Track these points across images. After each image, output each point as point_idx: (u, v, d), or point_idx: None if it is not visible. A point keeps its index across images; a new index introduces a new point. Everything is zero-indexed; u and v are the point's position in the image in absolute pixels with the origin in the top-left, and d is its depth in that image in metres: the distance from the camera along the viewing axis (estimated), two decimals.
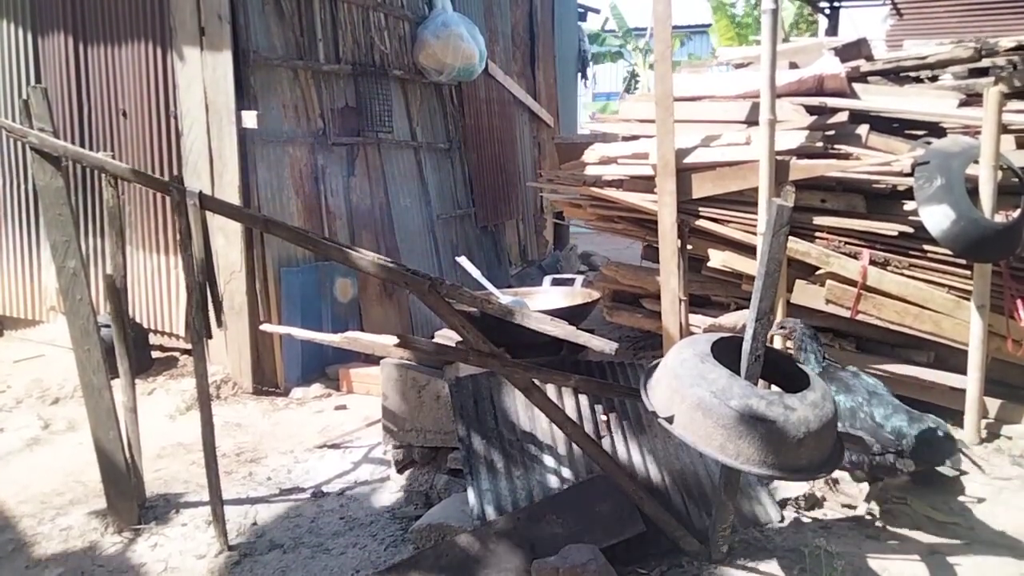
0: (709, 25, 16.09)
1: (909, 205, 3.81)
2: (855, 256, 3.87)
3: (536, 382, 2.62)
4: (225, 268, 4.71)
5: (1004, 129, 3.58)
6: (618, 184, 4.62)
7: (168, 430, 4.23)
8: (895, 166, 3.75)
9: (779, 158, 3.91)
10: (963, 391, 3.66)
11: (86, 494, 3.39)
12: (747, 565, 2.57)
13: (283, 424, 4.35)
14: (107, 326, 3.22)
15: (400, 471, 3.37)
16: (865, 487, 3.26)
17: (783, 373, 2.51)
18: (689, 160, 4.24)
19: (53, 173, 2.88)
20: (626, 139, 4.92)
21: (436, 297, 2.48)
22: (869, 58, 4.57)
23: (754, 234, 4.00)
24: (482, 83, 7.23)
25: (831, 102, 4.16)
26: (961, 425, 3.70)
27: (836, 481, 3.21)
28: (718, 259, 4.28)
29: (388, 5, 5.96)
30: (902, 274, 3.81)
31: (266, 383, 4.82)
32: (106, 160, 2.88)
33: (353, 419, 4.36)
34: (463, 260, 3.68)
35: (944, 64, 4.35)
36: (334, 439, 4.06)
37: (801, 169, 3.93)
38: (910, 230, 3.75)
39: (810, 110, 4.18)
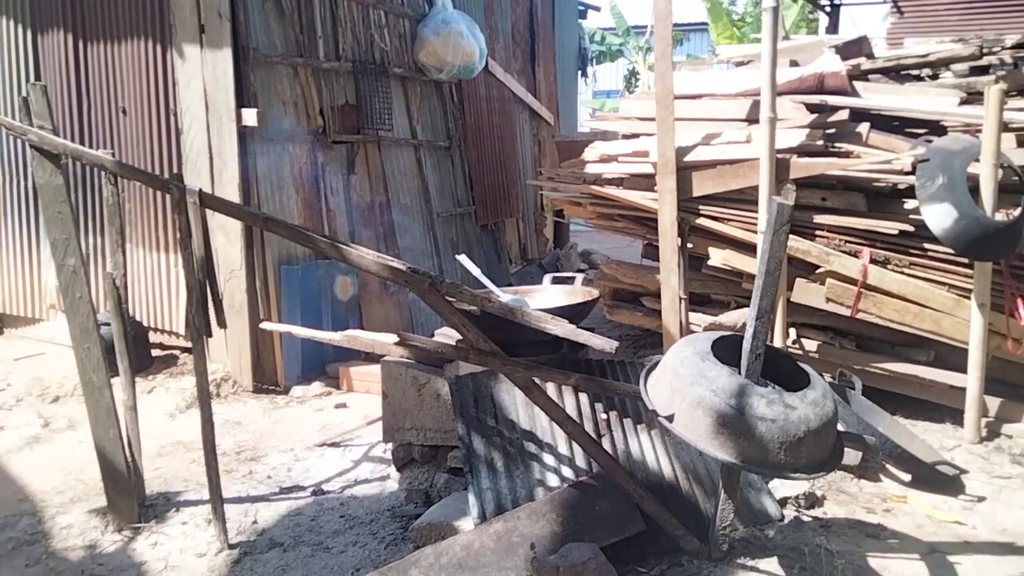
0: (706, 24, 16.07)
1: (909, 203, 3.81)
2: (855, 254, 3.87)
3: (536, 380, 2.62)
4: (225, 266, 4.71)
5: (1005, 127, 3.58)
6: (618, 182, 4.62)
7: (168, 428, 4.23)
8: (896, 164, 3.75)
9: (780, 156, 3.91)
10: (963, 390, 3.66)
11: (86, 492, 3.39)
12: (747, 564, 2.57)
13: (283, 422, 4.35)
14: (107, 324, 3.22)
15: (400, 469, 3.37)
16: (865, 485, 3.26)
17: (783, 371, 2.51)
18: (689, 158, 4.23)
19: (53, 171, 2.88)
20: (626, 137, 4.92)
21: (436, 295, 2.47)
22: (870, 56, 4.56)
23: (754, 232, 4.00)
24: (482, 81, 7.22)
25: (832, 100, 4.16)
26: (961, 424, 3.70)
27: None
28: (718, 257, 4.28)
29: (388, 3, 5.95)
30: (902, 272, 3.81)
31: (266, 381, 4.82)
32: (106, 157, 2.87)
33: (353, 417, 4.36)
34: (463, 258, 3.68)
35: (945, 62, 4.35)
36: (334, 437, 4.06)
37: (802, 167, 3.93)
38: (911, 228, 3.75)
39: (811, 108, 4.17)
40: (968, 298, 3.64)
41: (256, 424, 4.32)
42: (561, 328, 2.50)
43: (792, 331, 4.13)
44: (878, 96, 4.24)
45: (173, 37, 4.80)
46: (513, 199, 8.01)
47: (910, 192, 3.76)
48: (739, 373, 2.32)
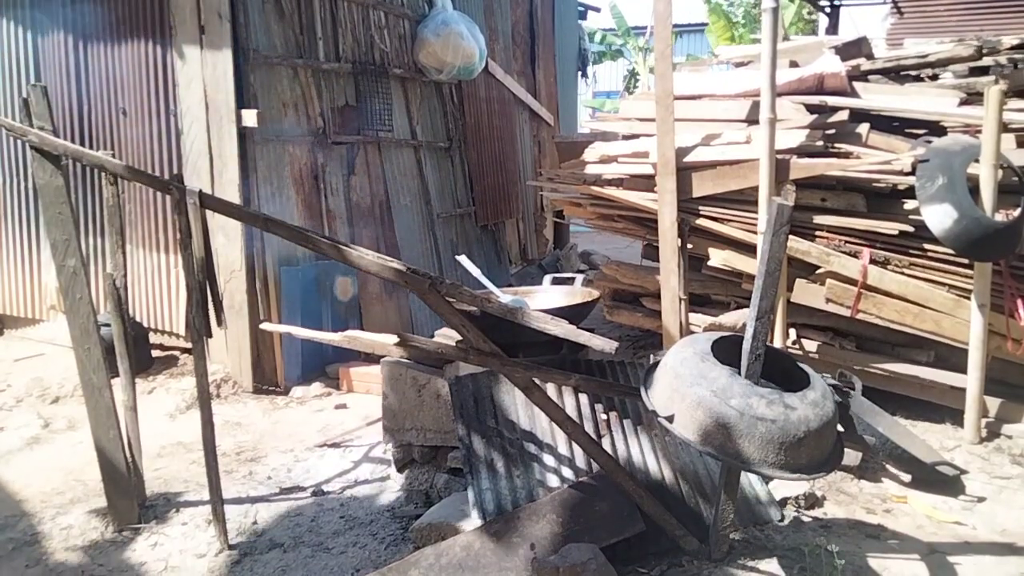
0: (704, 24, 16.10)
1: (909, 204, 3.81)
2: (855, 255, 3.87)
3: (536, 381, 2.62)
4: (225, 267, 4.71)
5: (1005, 128, 3.58)
6: (618, 183, 4.62)
7: (168, 429, 4.23)
8: (895, 165, 3.75)
9: (779, 157, 3.91)
10: (963, 390, 3.66)
11: (86, 493, 3.39)
12: (747, 564, 2.57)
13: (283, 423, 4.35)
14: (107, 325, 3.22)
15: (400, 470, 3.37)
16: (865, 486, 3.26)
17: (783, 372, 2.51)
18: (689, 159, 4.24)
19: (53, 172, 2.88)
20: (626, 138, 4.92)
21: (436, 296, 2.48)
22: (869, 57, 4.57)
23: (754, 233, 4.00)
24: (482, 82, 7.23)
25: (831, 101, 4.16)
26: (961, 424, 3.70)
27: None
28: (718, 258, 4.28)
29: (388, 3, 5.96)
30: (902, 273, 3.81)
31: (266, 382, 4.82)
32: (106, 159, 2.87)
33: (353, 418, 4.36)
34: (463, 259, 3.68)
35: (945, 63, 4.35)
36: (334, 438, 4.06)
37: (801, 168, 3.93)
38: (910, 229, 3.75)
39: (810, 109, 4.18)
40: (968, 299, 3.64)
41: (256, 425, 4.32)
42: (561, 329, 2.50)
43: (792, 332, 4.13)
44: (878, 97, 4.25)
45: (173, 38, 4.80)
46: (513, 200, 8.01)
47: (910, 193, 3.76)
48: (739, 374, 2.32)
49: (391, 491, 3.37)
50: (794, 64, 4.72)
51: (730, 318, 4.25)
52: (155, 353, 5.18)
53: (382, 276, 2.58)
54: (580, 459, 2.82)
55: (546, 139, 8.95)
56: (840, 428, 2.47)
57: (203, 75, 4.72)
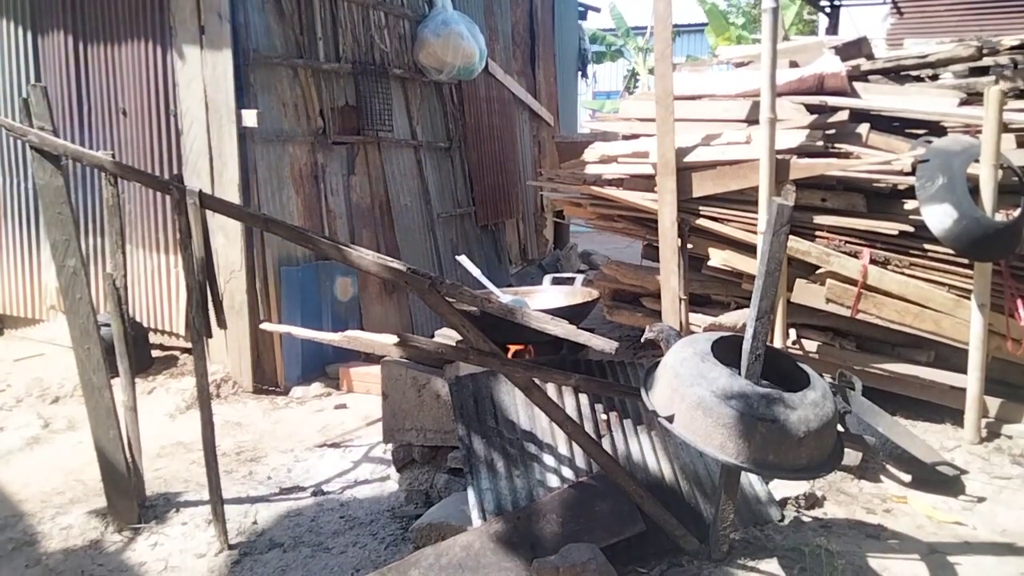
0: (704, 24, 16.13)
1: (909, 204, 3.81)
2: (855, 255, 3.87)
3: (536, 381, 2.62)
4: (225, 267, 4.71)
5: (1005, 128, 3.58)
6: (618, 183, 4.62)
7: (168, 429, 4.23)
8: (896, 165, 3.75)
9: (779, 157, 3.91)
10: (963, 390, 3.66)
11: (86, 493, 3.39)
12: (747, 564, 2.56)
13: (283, 423, 4.35)
14: (107, 325, 3.22)
15: (400, 470, 3.37)
16: (865, 486, 3.26)
17: (783, 372, 2.51)
18: (689, 159, 4.24)
19: (53, 172, 2.88)
20: (626, 138, 4.92)
21: (436, 296, 2.48)
22: (869, 57, 4.57)
23: (754, 233, 4.00)
24: (482, 82, 7.23)
25: (832, 101, 4.16)
26: (961, 424, 3.70)
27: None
28: (718, 258, 4.28)
29: (388, 4, 5.96)
30: (902, 273, 3.81)
31: (266, 382, 4.82)
32: (106, 159, 2.87)
33: (353, 418, 4.36)
34: (463, 259, 3.68)
35: (945, 63, 4.35)
36: (334, 438, 4.06)
37: (801, 168, 3.93)
38: (910, 229, 3.75)
39: (810, 109, 4.18)
40: (968, 299, 3.64)
41: (256, 425, 4.32)
42: (561, 329, 2.50)
43: (792, 332, 4.13)
44: (878, 97, 4.25)
45: (173, 38, 4.80)
46: (513, 200, 8.01)
47: (910, 193, 3.76)
48: (739, 374, 2.32)
49: (391, 491, 3.37)
50: (794, 64, 4.72)
51: (730, 318, 4.25)
52: (155, 353, 5.18)
53: (382, 276, 2.59)
54: (580, 459, 2.82)
55: (546, 139, 8.96)
56: (840, 428, 2.47)
57: (203, 75, 4.72)
